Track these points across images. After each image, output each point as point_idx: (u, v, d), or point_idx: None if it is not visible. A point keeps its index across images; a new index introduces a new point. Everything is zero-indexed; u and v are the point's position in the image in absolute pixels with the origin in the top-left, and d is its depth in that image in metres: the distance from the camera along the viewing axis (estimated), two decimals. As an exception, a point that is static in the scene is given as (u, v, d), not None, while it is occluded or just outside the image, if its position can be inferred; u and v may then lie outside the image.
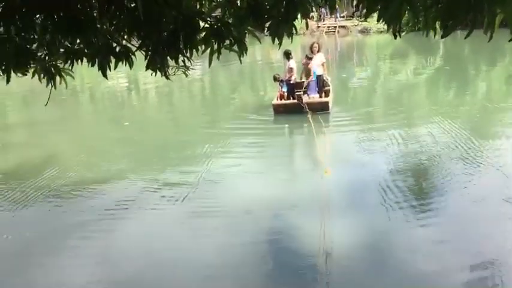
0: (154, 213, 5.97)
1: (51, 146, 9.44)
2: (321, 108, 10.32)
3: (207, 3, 2.97)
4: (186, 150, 8.67)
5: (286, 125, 9.71)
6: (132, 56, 3.01)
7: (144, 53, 2.88)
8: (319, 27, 37.72)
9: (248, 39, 2.89)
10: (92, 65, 2.95)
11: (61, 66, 3.12)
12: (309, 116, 9.48)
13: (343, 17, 38.68)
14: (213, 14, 2.81)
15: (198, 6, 2.93)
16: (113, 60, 2.96)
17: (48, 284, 4.68)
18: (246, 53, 2.86)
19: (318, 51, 10.96)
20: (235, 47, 2.81)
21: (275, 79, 11.29)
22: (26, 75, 3.03)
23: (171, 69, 3.20)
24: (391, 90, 14.12)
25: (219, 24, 2.72)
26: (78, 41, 2.90)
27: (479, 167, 6.75)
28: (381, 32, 28.52)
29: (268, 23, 2.62)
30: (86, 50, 2.97)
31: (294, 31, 2.62)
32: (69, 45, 2.95)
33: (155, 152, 8.66)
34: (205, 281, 4.45)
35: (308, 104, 10.20)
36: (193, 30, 2.73)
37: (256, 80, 18.10)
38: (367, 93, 13.82)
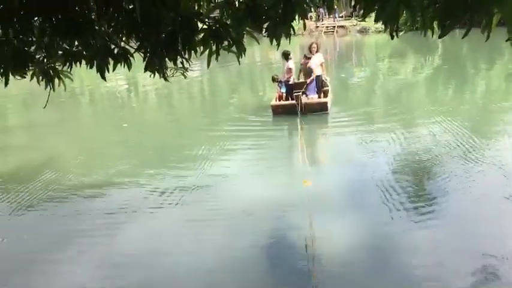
0: (153, 216, 5.96)
1: (49, 148, 9.44)
2: (320, 109, 10.32)
3: (205, 4, 2.97)
4: (185, 152, 8.67)
5: (285, 127, 9.68)
6: (131, 58, 3.01)
7: (142, 54, 2.89)
8: (317, 27, 37.78)
9: (246, 40, 2.89)
10: (91, 67, 2.96)
11: (59, 68, 3.12)
12: (299, 118, 9.43)
13: (342, 17, 38.74)
14: (211, 15, 2.81)
15: (196, 8, 2.93)
16: (111, 62, 2.96)
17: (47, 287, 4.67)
18: (244, 54, 2.87)
19: (316, 52, 10.95)
20: (234, 48, 2.82)
21: (274, 80, 11.28)
22: (24, 77, 3.03)
23: (170, 70, 3.20)
24: (390, 90, 14.12)
25: (217, 26, 2.72)
26: (76, 43, 2.90)
27: (480, 166, 6.74)
28: (380, 31, 28.52)
29: (266, 24, 2.62)
30: (84, 52, 2.97)
31: (291, 32, 2.62)
32: (67, 47, 2.95)
33: (154, 154, 8.65)
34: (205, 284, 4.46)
35: (307, 104, 10.19)
36: (191, 31, 2.73)
37: (255, 80, 18.12)
38: (366, 93, 13.83)
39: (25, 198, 6.72)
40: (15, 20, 2.58)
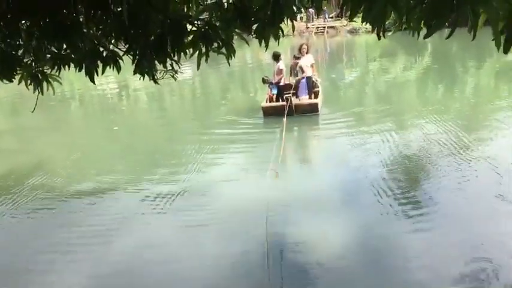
0: (143, 220, 5.90)
1: (38, 152, 9.32)
2: (311, 110, 10.33)
3: (194, 6, 2.97)
4: (175, 155, 8.58)
5: (276, 128, 9.66)
6: (120, 61, 3.00)
7: (131, 57, 2.88)
8: (308, 28, 37.87)
9: (237, 41, 2.90)
10: (79, 70, 2.95)
11: (48, 72, 3.11)
12: (284, 119, 9.40)
13: (332, 17, 38.87)
14: (200, 17, 2.82)
15: (185, 10, 2.93)
16: (100, 65, 2.95)
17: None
18: (234, 55, 2.88)
19: (306, 53, 10.96)
20: (223, 50, 2.82)
21: (264, 81, 11.21)
22: (12, 81, 3.01)
23: (159, 73, 3.20)
24: (380, 90, 14.18)
25: (207, 27, 2.72)
26: (64, 46, 2.88)
27: (472, 164, 6.78)
28: (369, 32, 28.60)
29: (255, 25, 2.63)
30: (72, 55, 2.96)
31: (280, 33, 2.63)
32: (55, 50, 2.94)
33: (144, 157, 8.59)
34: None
35: (297, 105, 10.19)
36: (180, 33, 2.73)
37: (246, 81, 18.10)
38: (356, 94, 13.88)
39: (12, 202, 6.66)
40: (2, 23, 2.56)
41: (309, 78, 10.82)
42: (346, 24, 35.58)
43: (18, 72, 2.98)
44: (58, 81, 3.19)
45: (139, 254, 5.03)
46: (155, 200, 6.34)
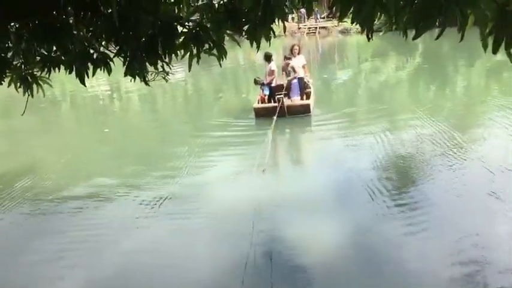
0: (133, 223, 5.85)
1: (27, 154, 9.24)
2: (303, 111, 10.33)
3: (185, 7, 2.96)
4: (166, 157, 8.52)
5: (268, 130, 9.65)
6: (111, 62, 2.99)
7: (122, 59, 2.87)
8: (300, 28, 37.96)
9: (229, 42, 2.89)
10: (70, 73, 2.93)
11: (38, 74, 3.08)
12: (274, 118, 9.44)
13: (324, 18, 38.99)
14: (191, 19, 2.81)
15: (176, 11, 2.92)
16: (91, 67, 2.93)
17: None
18: (225, 56, 2.88)
19: (298, 53, 10.97)
20: (215, 51, 2.82)
21: (256, 82, 11.19)
22: (1, 84, 2.98)
23: (151, 74, 3.19)
24: (372, 90, 14.23)
25: (198, 29, 2.72)
26: (54, 48, 2.87)
27: (464, 163, 6.84)
28: (360, 32, 28.70)
29: (246, 26, 2.63)
30: (62, 58, 2.94)
31: (271, 34, 2.63)
32: (45, 53, 2.92)
33: (135, 160, 8.54)
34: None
35: (289, 106, 10.19)
36: (171, 35, 2.72)
37: (238, 82, 18.11)
38: (348, 94, 13.92)
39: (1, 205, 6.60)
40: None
41: (300, 79, 10.82)
42: (338, 25, 35.69)
43: (7, 74, 2.95)
44: (48, 83, 3.17)
45: (131, 258, 4.99)
46: (147, 203, 6.29)
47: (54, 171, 8.11)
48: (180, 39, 2.75)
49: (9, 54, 2.86)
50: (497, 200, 5.54)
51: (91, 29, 2.77)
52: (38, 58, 2.96)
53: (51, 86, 3.23)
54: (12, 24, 2.67)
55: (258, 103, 10.82)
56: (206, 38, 2.73)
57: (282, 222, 5.49)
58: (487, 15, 1.54)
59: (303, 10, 30.62)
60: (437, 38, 1.69)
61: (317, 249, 4.85)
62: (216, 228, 5.51)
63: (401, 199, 5.85)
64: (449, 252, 4.58)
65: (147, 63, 2.94)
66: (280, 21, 2.59)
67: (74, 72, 2.92)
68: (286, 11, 2.63)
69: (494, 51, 1.64)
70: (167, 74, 3.28)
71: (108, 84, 17.69)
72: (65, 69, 2.95)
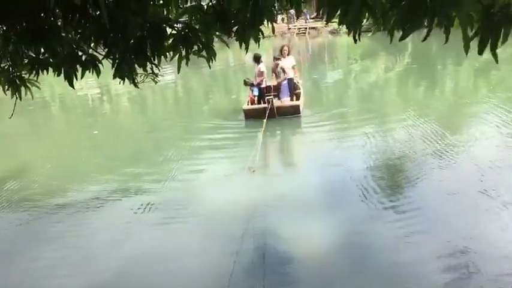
0: (121, 225, 5.84)
1: (14, 158, 9.16)
2: (293, 112, 10.34)
3: (173, 9, 2.96)
4: (155, 158, 8.49)
5: (258, 131, 9.64)
6: (100, 65, 2.97)
7: (111, 61, 2.86)
8: (289, 29, 38.01)
9: (219, 43, 2.89)
10: (58, 75, 2.91)
11: (26, 76, 3.06)
12: (264, 120, 9.46)
13: (313, 18, 39.07)
14: (180, 20, 2.81)
15: (164, 13, 2.92)
16: (80, 69, 2.92)
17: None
18: (214, 58, 2.88)
19: (288, 54, 10.98)
20: (204, 53, 2.82)
21: (245, 83, 11.16)
22: (-11, 87, 2.96)
23: (140, 76, 3.18)
24: (362, 90, 14.29)
25: (186, 30, 2.72)
26: (42, 50, 2.85)
27: (455, 161, 6.90)
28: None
29: (235, 27, 2.63)
30: (51, 60, 2.92)
31: (260, 35, 2.64)
32: (33, 55, 2.90)
33: (124, 162, 8.48)
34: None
35: (279, 107, 10.19)
36: (160, 37, 2.72)
37: (228, 83, 18.09)
38: (338, 94, 13.96)
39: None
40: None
41: (290, 80, 10.83)
42: (327, 25, 35.80)
43: (-5, 77, 2.93)
44: (36, 86, 3.15)
45: (123, 264, 4.94)
46: (138, 207, 6.26)
47: (41, 174, 8.05)
48: (169, 41, 2.75)
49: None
50: (487, 198, 5.60)
51: (79, 31, 2.75)
52: (26, 60, 2.94)
53: (39, 88, 3.21)
54: (-1, 26, 2.65)
55: (248, 104, 10.80)
56: (195, 39, 2.73)
57: (275, 223, 5.48)
58: (472, 16, 1.56)
59: (292, 11, 30.68)
60: (424, 40, 1.71)
61: (309, 249, 4.87)
62: (206, 230, 5.50)
63: (393, 198, 5.90)
64: (440, 250, 4.61)
65: (136, 65, 2.93)
66: (269, 23, 2.59)
67: (62, 75, 2.90)
68: (275, 12, 2.63)
69: (480, 52, 1.66)
70: (156, 75, 3.28)
71: (97, 86, 17.58)
72: (53, 71, 2.94)
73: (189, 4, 2.85)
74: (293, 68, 11.01)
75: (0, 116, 12.74)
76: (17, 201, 6.83)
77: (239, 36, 2.63)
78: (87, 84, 17.20)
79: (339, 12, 1.66)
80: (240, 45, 2.68)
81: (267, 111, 9.82)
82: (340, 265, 4.58)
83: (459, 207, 5.53)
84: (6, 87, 3.02)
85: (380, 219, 5.40)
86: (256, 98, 10.90)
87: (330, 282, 4.36)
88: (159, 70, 3.12)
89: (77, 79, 2.92)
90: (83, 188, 7.16)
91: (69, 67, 2.86)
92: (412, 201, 5.79)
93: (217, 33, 2.75)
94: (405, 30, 1.58)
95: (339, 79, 16.94)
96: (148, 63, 2.90)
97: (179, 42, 2.72)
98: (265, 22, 2.58)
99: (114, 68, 2.86)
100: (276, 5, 2.68)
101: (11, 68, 3.00)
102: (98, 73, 2.95)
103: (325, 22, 1.76)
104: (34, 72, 2.97)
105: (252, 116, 10.27)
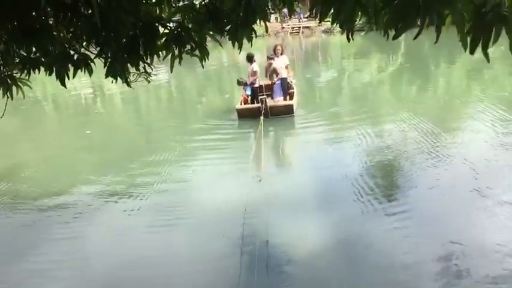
0: (112, 225, 5.82)
1: (4, 158, 9.07)
2: (286, 112, 10.31)
3: (166, 8, 2.95)
4: (147, 158, 8.41)
5: (251, 130, 9.57)
6: (92, 64, 2.96)
7: (103, 60, 2.84)
8: (283, 28, 38.04)
9: (213, 42, 2.88)
10: (50, 74, 2.89)
11: (17, 76, 3.04)
12: (261, 117, 9.45)
13: (307, 17, 39.13)
14: (173, 19, 2.80)
15: (157, 12, 2.91)
16: (71, 68, 2.90)
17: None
18: (208, 57, 2.87)
19: (281, 54, 10.96)
20: (197, 52, 2.81)
21: (239, 83, 11.13)
22: (-21, 86, 2.93)
23: (133, 75, 3.16)
24: (356, 90, 14.31)
25: (179, 30, 2.71)
26: (34, 49, 2.83)
27: (448, 160, 6.93)
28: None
29: (228, 27, 2.63)
30: (42, 59, 2.90)
31: (253, 35, 2.63)
32: (24, 54, 2.87)
33: (116, 161, 8.44)
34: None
35: (272, 107, 10.17)
36: (152, 36, 2.71)
37: (222, 82, 18.07)
38: (332, 94, 13.97)
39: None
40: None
41: (283, 80, 10.80)
42: (321, 24, 35.86)
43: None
44: (28, 85, 3.13)
45: (116, 266, 4.90)
46: (131, 208, 6.22)
47: (31, 175, 7.99)
48: (162, 40, 2.73)
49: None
50: (480, 197, 5.64)
51: (71, 29, 2.74)
52: (17, 60, 2.91)
53: (30, 87, 3.19)
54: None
55: (241, 104, 10.76)
56: (188, 38, 2.72)
57: (271, 221, 5.48)
58: (464, 16, 1.57)
59: (285, 10, 30.67)
60: (415, 38, 1.72)
61: (304, 249, 4.87)
62: (201, 230, 5.48)
63: (387, 197, 5.92)
64: (433, 249, 4.63)
65: (128, 64, 2.91)
66: (262, 22, 2.59)
67: (54, 74, 2.88)
68: (268, 11, 2.63)
69: (472, 51, 1.67)
70: (149, 75, 3.27)
71: (90, 85, 17.49)
72: (45, 70, 2.92)
73: (181, 3, 2.84)
74: (286, 67, 10.98)
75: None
76: (5, 202, 6.77)
77: (232, 35, 2.62)
78: (80, 83, 17.12)
79: (332, 11, 1.67)
80: (233, 45, 2.67)
81: (262, 111, 9.81)
82: (334, 263, 4.60)
83: (452, 205, 5.55)
84: (-3, 86, 3.00)
85: (374, 217, 5.42)
86: (249, 98, 10.87)
87: (323, 275, 4.38)
88: (151, 69, 3.11)
89: (68, 78, 2.90)
90: (73, 189, 7.08)
91: (61, 66, 2.84)
92: (405, 200, 5.82)
93: (210, 32, 2.74)
94: (398, 29, 1.59)
95: (332, 78, 16.98)
96: (141, 62, 2.89)
97: (172, 41, 2.71)
98: (258, 21, 2.57)
99: (106, 67, 2.84)
100: (269, 4, 2.68)
101: (2, 67, 2.97)
102: (90, 72, 2.93)
103: (318, 21, 1.75)
104: (25, 71, 2.94)
105: (245, 115, 10.24)
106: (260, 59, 12.42)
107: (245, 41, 2.69)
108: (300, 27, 38.02)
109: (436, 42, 1.67)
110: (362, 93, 13.67)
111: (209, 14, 2.61)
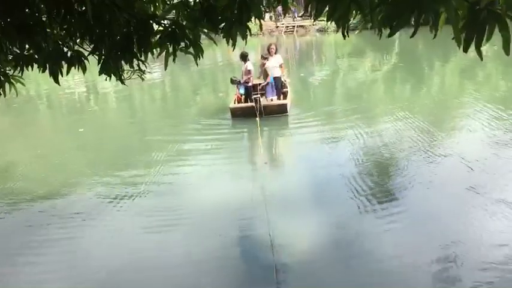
0: (105, 224, 5.81)
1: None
2: (280, 111, 10.30)
3: (160, 5, 2.94)
4: (140, 156, 8.42)
5: (245, 129, 9.54)
6: (86, 61, 2.94)
7: (97, 57, 2.83)
8: (277, 27, 38.00)
9: (207, 40, 2.87)
10: (43, 71, 2.87)
11: (10, 73, 3.02)
12: (257, 119, 9.47)
13: (301, 16, 39.12)
14: (167, 17, 2.79)
15: (151, 9, 2.90)
16: (65, 65, 2.88)
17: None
18: (202, 55, 2.86)
19: (275, 53, 10.93)
20: (191, 50, 2.80)
21: (232, 82, 11.08)
22: (-28, 83, 2.91)
23: (126, 73, 3.15)
24: (350, 88, 14.32)
25: (173, 27, 2.70)
26: (27, 46, 2.81)
27: (443, 159, 6.98)
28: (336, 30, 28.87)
29: (223, 24, 2.62)
30: (36, 56, 2.88)
31: (247, 33, 2.63)
32: (18, 51, 2.85)
33: (109, 160, 8.43)
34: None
35: (266, 106, 10.14)
36: (147, 33, 2.69)
37: (216, 81, 18.01)
38: (326, 93, 13.97)
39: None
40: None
41: (277, 79, 10.78)
42: (315, 23, 35.86)
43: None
44: (21, 82, 3.11)
45: (111, 266, 4.89)
46: (125, 209, 6.21)
47: (23, 173, 7.94)
48: (156, 38, 2.72)
49: (-20, 53, 2.78)
50: (475, 195, 5.69)
51: (65, 26, 2.72)
52: (11, 57, 2.89)
53: (24, 85, 3.17)
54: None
55: (235, 103, 10.73)
56: (182, 36, 2.70)
57: (267, 220, 5.46)
58: (458, 13, 1.57)
59: (280, 8, 30.65)
60: (412, 36, 1.72)
61: (299, 249, 4.89)
62: (197, 230, 5.48)
63: (382, 195, 5.94)
64: (429, 247, 4.66)
65: (122, 62, 2.90)
66: (256, 20, 2.58)
67: (47, 71, 2.86)
68: (263, 9, 2.62)
69: (465, 49, 1.68)
70: (143, 72, 3.25)
71: (84, 83, 17.39)
72: (38, 67, 2.90)
73: (175, 0, 2.83)
74: (280, 66, 10.96)
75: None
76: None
77: (226, 33, 2.61)
78: (74, 81, 17.01)
79: (327, 8, 1.67)
80: (227, 42, 2.66)
81: (257, 111, 9.79)
82: (329, 262, 4.63)
83: (448, 203, 5.59)
84: (-10, 83, 2.98)
85: (369, 216, 5.46)
86: (242, 97, 10.85)
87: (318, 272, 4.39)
88: (145, 67, 3.10)
89: (62, 75, 2.89)
90: (65, 188, 7.04)
91: (54, 63, 2.82)
92: (401, 198, 5.87)
93: (204, 30, 2.74)
94: (393, 27, 1.59)
95: (326, 77, 16.98)
96: (135, 59, 2.88)
97: (166, 38, 2.70)
98: (253, 19, 2.57)
99: (100, 65, 2.83)
100: (263, 1, 2.67)
101: (-6, 64, 2.95)
102: (84, 69, 2.92)
103: (313, 19, 1.76)
104: (19, 68, 2.92)
105: (239, 114, 10.22)
106: (254, 58, 12.37)
107: (239, 39, 2.69)
108: (294, 26, 37.97)
109: (434, 38, 1.67)
110: (356, 92, 13.68)
111: (203, 11, 2.60)
